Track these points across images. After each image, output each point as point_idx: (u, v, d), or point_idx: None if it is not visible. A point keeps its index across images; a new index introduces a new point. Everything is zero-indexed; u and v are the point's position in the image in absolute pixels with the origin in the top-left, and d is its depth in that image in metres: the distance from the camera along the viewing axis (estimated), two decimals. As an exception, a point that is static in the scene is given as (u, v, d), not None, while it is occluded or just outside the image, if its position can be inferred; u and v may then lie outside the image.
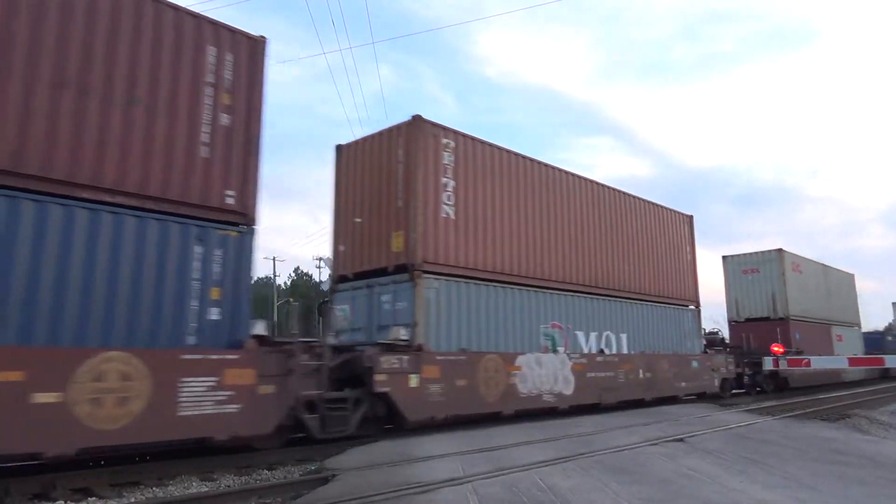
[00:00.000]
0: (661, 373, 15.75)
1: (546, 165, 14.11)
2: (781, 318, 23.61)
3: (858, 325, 31.74)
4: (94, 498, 6.58)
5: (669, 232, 18.13)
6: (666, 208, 18.23)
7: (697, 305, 18.70)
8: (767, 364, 19.33)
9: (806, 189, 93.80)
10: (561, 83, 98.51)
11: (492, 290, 12.22)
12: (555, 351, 13.06)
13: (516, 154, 13.37)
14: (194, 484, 7.23)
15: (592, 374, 13.49)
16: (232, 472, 7.79)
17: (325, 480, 6.67)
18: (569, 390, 12.79)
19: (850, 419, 13.14)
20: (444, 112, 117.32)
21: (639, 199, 17.06)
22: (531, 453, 7.93)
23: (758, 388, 21.22)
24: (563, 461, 7.35)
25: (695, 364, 17.39)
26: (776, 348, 21.23)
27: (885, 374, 30.79)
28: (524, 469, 6.89)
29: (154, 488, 7.00)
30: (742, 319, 24.53)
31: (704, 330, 22.37)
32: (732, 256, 25.47)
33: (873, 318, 55.35)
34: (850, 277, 31.59)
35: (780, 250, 24.15)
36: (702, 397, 17.75)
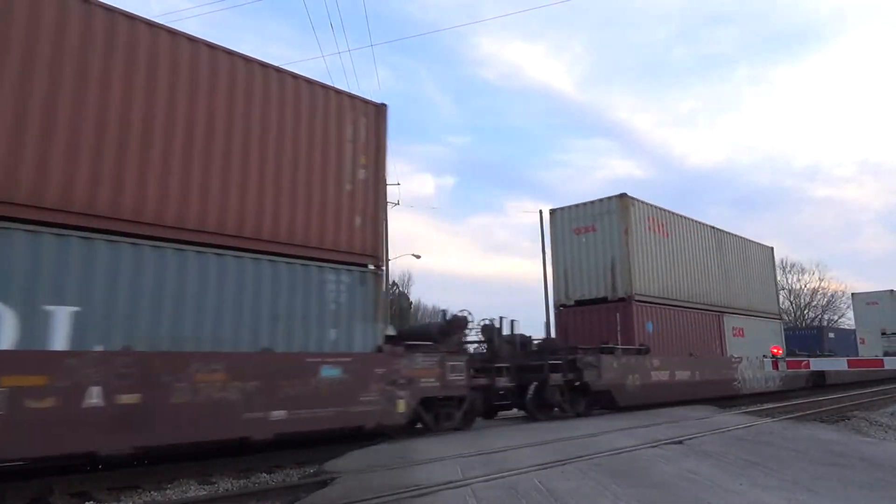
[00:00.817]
0: (186, 392, 7.43)
1: None
2: (622, 299, 15.67)
3: (778, 316, 23.52)
4: (91, 502, 6.57)
5: (308, 119, 9.56)
6: (305, 79, 9.67)
7: (377, 265, 10.16)
8: (767, 366, 16.87)
9: (806, 190, 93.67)
10: (560, 85, 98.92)
11: None
12: None
13: None
14: (192, 488, 7.24)
15: None
16: (230, 475, 7.79)
17: (323, 483, 6.66)
18: None
19: (850, 421, 13.14)
20: (442, 113, 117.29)
21: (231, 53, 8.79)
22: (530, 456, 7.91)
23: (556, 408, 13.34)
24: (562, 464, 7.33)
25: (332, 373, 8.91)
26: (774, 350, 19.21)
27: (819, 384, 23.54)
28: (523, 472, 6.87)
29: (152, 492, 7.00)
30: (571, 302, 16.88)
31: (449, 314, 12.37)
32: (562, 209, 17.60)
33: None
34: (768, 251, 23.33)
35: (622, 196, 16.42)
36: (361, 435, 9.50)
